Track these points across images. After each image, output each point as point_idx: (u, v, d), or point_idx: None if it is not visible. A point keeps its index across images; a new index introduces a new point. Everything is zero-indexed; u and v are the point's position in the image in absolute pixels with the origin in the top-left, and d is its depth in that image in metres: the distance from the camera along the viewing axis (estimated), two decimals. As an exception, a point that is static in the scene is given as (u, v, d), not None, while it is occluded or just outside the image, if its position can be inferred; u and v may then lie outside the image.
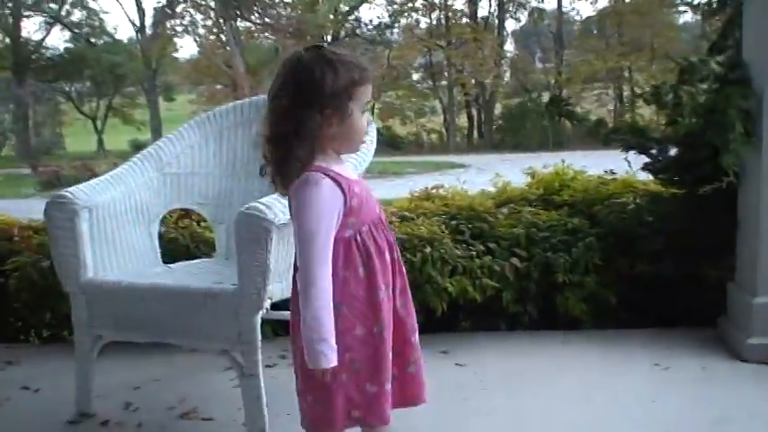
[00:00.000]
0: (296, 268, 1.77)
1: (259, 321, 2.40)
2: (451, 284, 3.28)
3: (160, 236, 3.09)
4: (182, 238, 3.50)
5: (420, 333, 3.33)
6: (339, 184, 1.72)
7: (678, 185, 3.47)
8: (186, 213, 3.61)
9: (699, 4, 3.83)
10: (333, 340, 1.70)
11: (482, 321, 3.52)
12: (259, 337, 2.39)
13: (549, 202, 3.73)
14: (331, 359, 1.70)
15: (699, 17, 3.55)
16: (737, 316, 3.20)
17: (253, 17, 24.59)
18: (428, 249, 3.27)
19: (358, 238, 1.78)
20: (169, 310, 2.48)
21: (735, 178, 3.03)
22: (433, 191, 3.95)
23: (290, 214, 1.79)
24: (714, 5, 3.40)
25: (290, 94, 1.71)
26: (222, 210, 3.12)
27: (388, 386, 1.82)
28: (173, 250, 3.31)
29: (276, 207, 2.29)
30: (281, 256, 2.46)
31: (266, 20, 24.48)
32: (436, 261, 3.28)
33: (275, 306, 2.60)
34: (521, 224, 3.52)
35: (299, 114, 1.69)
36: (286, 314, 2.94)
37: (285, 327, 3.46)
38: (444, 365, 3.11)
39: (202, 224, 3.56)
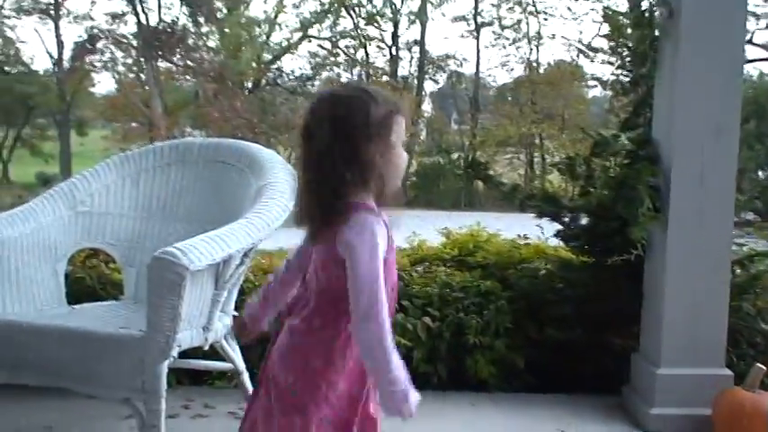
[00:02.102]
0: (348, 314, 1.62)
1: (165, 370, 2.32)
2: (363, 341, 3.25)
3: (66, 275, 2.98)
4: (89, 279, 3.39)
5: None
6: (387, 231, 1.65)
7: (588, 254, 3.57)
8: (94, 253, 3.50)
9: (609, 80, 3.99)
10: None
11: (391, 379, 3.49)
12: (164, 386, 2.31)
13: (463, 263, 3.77)
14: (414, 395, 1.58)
15: (608, 92, 3.69)
16: (641, 385, 3.28)
17: (174, 58, 24.37)
18: (342, 304, 3.25)
19: None
20: (70, 354, 2.38)
21: (642, 251, 3.13)
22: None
23: (336, 254, 1.61)
24: (626, 84, 3.55)
25: (332, 131, 1.58)
26: (134, 252, 3.04)
27: None
28: (78, 291, 3.19)
29: (192, 252, 2.24)
30: (193, 302, 2.41)
31: (188, 62, 24.29)
32: (349, 316, 3.25)
33: (182, 354, 2.53)
34: (435, 284, 3.54)
35: (346, 149, 1.57)
36: (193, 362, 2.88)
37: (189, 375, 3.40)
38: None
39: (111, 265, 3.44)
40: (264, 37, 27.68)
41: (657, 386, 3.09)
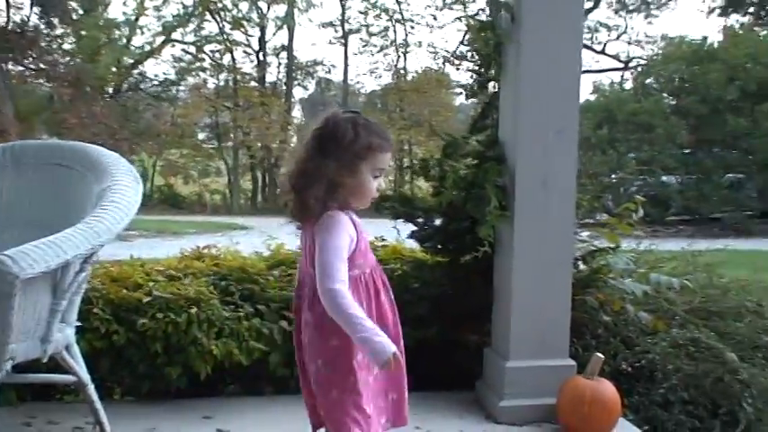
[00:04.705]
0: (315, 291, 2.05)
1: (-4, 384, 2.20)
2: (217, 347, 3.20)
3: None
4: None
5: (182, 397, 3.23)
6: (354, 224, 2.10)
7: (442, 254, 3.64)
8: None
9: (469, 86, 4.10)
10: (380, 331, 1.96)
11: (248, 385, 3.45)
12: (-5, 401, 2.19)
13: (320, 266, 3.76)
14: (391, 344, 1.94)
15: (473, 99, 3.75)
16: (492, 379, 3.37)
17: (26, 61, 23.16)
18: (194, 310, 3.19)
19: (363, 278, 2.12)
20: None
21: (490, 248, 3.23)
22: (205, 250, 3.87)
23: (315, 248, 2.05)
24: (475, 88, 3.65)
25: (316, 142, 2.06)
26: (-34, 261, 2.85)
27: (381, 404, 2.19)
28: None
29: (23, 260, 2.14)
30: (28, 312, 2.29)
31: (41, 66, 23.14)
32: (202, 322, 3.20)
33: (21, 368, 2.40)
34: (291, 287, 3.52)
35: (319, 160, 2.03)
36: (30, 377, 2.74)
37: (33, 391, 3.23)
38: (206, 431, 3.02)
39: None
40: (125, 40, 26.85)
41: (507, 379, 3.19)
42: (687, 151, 19.08)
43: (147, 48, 27.15)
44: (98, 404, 2.73)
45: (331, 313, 1.97)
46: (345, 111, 2.11)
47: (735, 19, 26.82)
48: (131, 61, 27.20)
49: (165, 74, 28.64)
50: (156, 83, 28.27)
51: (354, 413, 2.09)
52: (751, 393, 3.32)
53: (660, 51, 25.12)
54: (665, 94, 20.59)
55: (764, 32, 23.30)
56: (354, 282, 2.08)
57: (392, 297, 2.24)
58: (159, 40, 27.03)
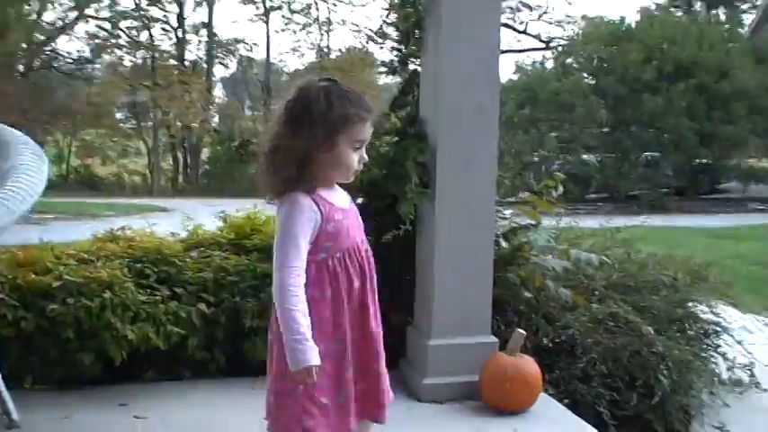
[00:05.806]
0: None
1: None
2: (132, 332, 3.10)
3: None
4: None
5: (97, 384, 3.13)
6: (318, 206, 1.91)
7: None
8: None
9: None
10: (311, 340, 1.83)
11: (166, 370, 3.36)
12: None
13: (240, 247, 3.68)
14: (311, 357, 1.82)
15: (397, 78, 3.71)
16: (415, 358, 3.36)
17: (-69, 38, 22.16)
18: (107, 294, 3.07)
19: (330, 262, 1.94)
20: None
21: (411, 226, 3.21)
22: (119, 232, 3.74)
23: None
24: (395, 64, 3.61)
25: (288, 116, 1.90)
26: None
27: (340, 400, 2.00)
28: None
29: None
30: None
31: (-53, 43, 22.17)
32: (116, 307, 3.09)
33: None
34: (210, 269, 3.44)
35: (291, 135, 1.87)
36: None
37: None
38: (122, 419, 2.93)
39: None
40: (35, 15, 25.85)
41: (429, 357, 3.18)
42: (606, 130, 19.56)
43: (60, 24, 26.23)
44: (5, 393, 2.63)
45: (274, 299, 1.87)
46: (321, 79, 1.96)
47: (652, 0, 27.52)
48: (43, 38, 26.24)
49: (78, 51, 27.80)
50: (69, 61, 27.37)
51: (307, 403, 1.96)
52: (666, 365, 3.40)
53: (580, 31, 25.59)
54: (584, 74, 21.00)
55: (680, 14, 23.98)
56: (318, 266, 1.93)
57: (368, 287, 2.04)
58: (72, 15, 26.15)
